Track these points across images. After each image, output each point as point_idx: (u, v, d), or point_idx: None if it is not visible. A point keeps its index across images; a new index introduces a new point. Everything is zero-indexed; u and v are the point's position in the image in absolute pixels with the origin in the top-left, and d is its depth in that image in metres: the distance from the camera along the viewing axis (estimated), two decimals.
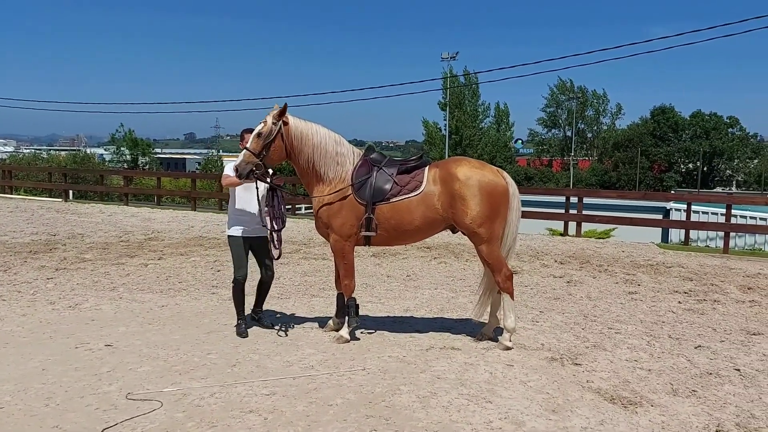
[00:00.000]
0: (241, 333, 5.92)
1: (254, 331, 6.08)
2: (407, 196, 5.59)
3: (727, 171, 60.27)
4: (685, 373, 5.19)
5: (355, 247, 5.89)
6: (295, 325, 6.33)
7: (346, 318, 5.82)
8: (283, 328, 6.13)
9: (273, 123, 5.54)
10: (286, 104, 5.60)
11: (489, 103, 64.42)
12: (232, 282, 6.05)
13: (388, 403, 4.37)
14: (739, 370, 5.31)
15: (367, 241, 5.74)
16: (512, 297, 5.73)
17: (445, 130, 58.72)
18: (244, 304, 6.07)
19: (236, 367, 5.05)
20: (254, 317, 6.26)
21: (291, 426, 3.98)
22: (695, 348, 5.91)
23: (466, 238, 5.94)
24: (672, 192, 42.89)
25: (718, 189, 54.01)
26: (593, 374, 5.11)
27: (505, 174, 5.78)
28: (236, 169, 5.56)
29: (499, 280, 5.68)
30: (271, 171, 5.95)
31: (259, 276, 6.20)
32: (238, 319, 6.05)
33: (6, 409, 4.17)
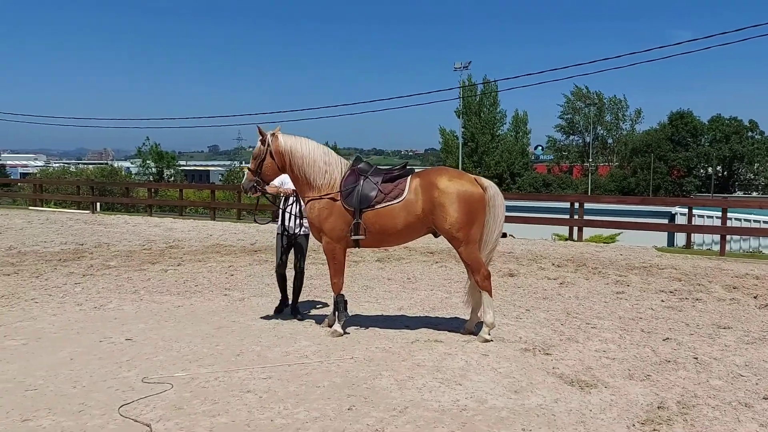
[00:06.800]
0: (277, 309, 7.29)
1: (258, 325, 6.75)
2: (390, 203, 6.17)
3: (749, 175, 59.78)
4: (645, 361, 5.69)
5: (354, 249, 6.53)
6: (297, 322, 6.98)
7: (336, 313, 6.44)
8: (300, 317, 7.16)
9: (261, 144, 6.39)
10: (258, 128, 6.45)
11: (506, 111, 64.82)
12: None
13: (368, 386, 4.96)
14: (697, 358, 5.79)
15: (356, 244, 6.36)
16: (491, 294, 6.27)
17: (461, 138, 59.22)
18: (285, 289, 7.39)
19: (240, 357, 5.69)
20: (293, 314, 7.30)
21: (282, 403, 4.60)
22: (663, 340, 6.40)
23: None
24: (692, 197, 42.89)
25: (739, 193, 53.57)
26: (560, 362, 5.63)
27: (484, 181, 6.31)
28: (242, 187, 6.56)
29: (477, 279, 6.23)
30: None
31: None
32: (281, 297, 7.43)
33: (39, 390, 4.85)
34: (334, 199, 6.25)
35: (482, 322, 6.38)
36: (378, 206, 6.18)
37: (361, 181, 6.27)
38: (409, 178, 6.29)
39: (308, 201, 6.38)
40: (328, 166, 6.35)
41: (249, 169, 6.52)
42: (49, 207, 24.65)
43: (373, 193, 6.20)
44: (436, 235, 6.44)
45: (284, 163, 6.39)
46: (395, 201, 6.17)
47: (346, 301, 6.46)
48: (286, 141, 6.38)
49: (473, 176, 6.38)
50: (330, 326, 6.60)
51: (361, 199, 6.19)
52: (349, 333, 6.47)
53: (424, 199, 6.13)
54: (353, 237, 6.25)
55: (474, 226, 6.13)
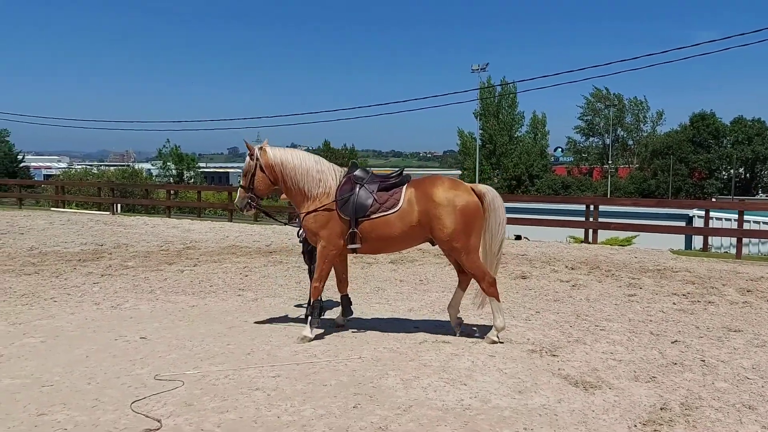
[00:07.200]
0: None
1: (269, 325, 6.87)
2: (385, 213, 6.15)
3: None
4: (652, 363, 5.70)
5: (364, 255, 6.59)
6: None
7: (309, 318, 6.35)
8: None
9: (250, 159, 6.38)
10: (246, 142, 6.46)
11: (524, 112, 64.65)
12: None
13: (374, 384, 5.05)
14: (704, 360, 5.79)
15: (353, 250, 6.39)
16: (498, 299, 6.26)
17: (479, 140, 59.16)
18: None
19: (250, 355, 5.81)
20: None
21: (289, 400, 4.70)
22: (672, 343, 6.39)
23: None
24: (713, 199, 42.45)
25: (762, 196, 52.82)
26: (566, 363, 5.67)
27: (481, 187, 6.31)
28: (235, 206, 6.67)
29: (483, 287, 6.23)
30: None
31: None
32: None
33: (56, 386, 5.01)
34: (330, 209, 6.25)
35: (462, 321, 6.58)
36: (374, 216, 6.16)
37: (357, 189, 6.26)
38: (404, 187, 6.28)
39: (305, 215, 6.33)
40: (321, 174, 6.34)
41: (241, 186, 6.46)
42: (71, 208, 25.11)
43: (369, 202, 6.18)
44: (433, 244, 6.45)
45: (276, 177, 6.37)
46: (390, 211, 6.15)
47: (322, 307, 6.47)
48: (275, 153, 6.37)
49: (469, 185, 6.39)
50: (340, 326, 6.71)
51: (356, 209, 6.18)
52: (311, 335, 6.36)
53: (419, 210, 6.12)
54: (349, 246, 6.30)
55: (472, 235, 6.13)
